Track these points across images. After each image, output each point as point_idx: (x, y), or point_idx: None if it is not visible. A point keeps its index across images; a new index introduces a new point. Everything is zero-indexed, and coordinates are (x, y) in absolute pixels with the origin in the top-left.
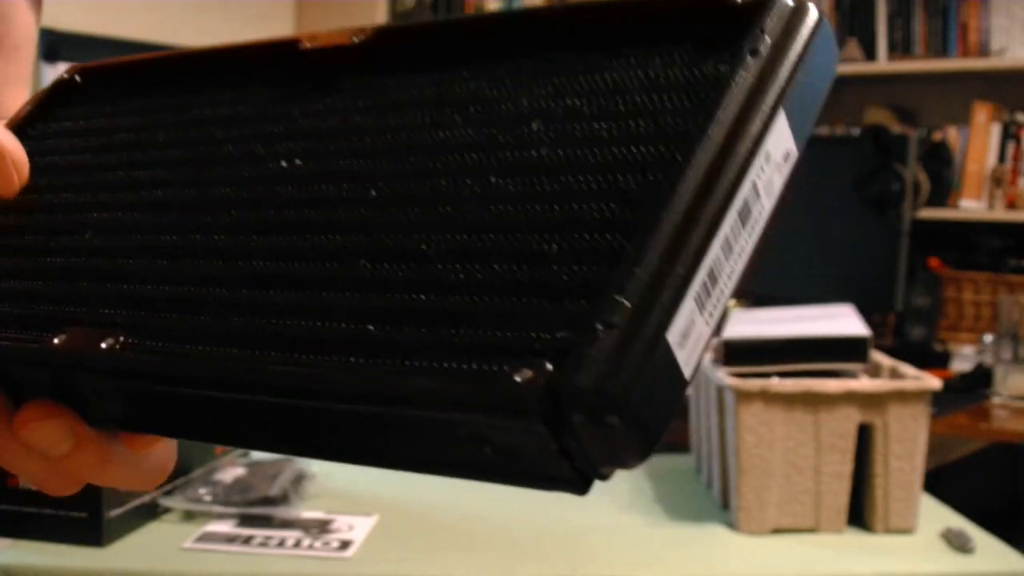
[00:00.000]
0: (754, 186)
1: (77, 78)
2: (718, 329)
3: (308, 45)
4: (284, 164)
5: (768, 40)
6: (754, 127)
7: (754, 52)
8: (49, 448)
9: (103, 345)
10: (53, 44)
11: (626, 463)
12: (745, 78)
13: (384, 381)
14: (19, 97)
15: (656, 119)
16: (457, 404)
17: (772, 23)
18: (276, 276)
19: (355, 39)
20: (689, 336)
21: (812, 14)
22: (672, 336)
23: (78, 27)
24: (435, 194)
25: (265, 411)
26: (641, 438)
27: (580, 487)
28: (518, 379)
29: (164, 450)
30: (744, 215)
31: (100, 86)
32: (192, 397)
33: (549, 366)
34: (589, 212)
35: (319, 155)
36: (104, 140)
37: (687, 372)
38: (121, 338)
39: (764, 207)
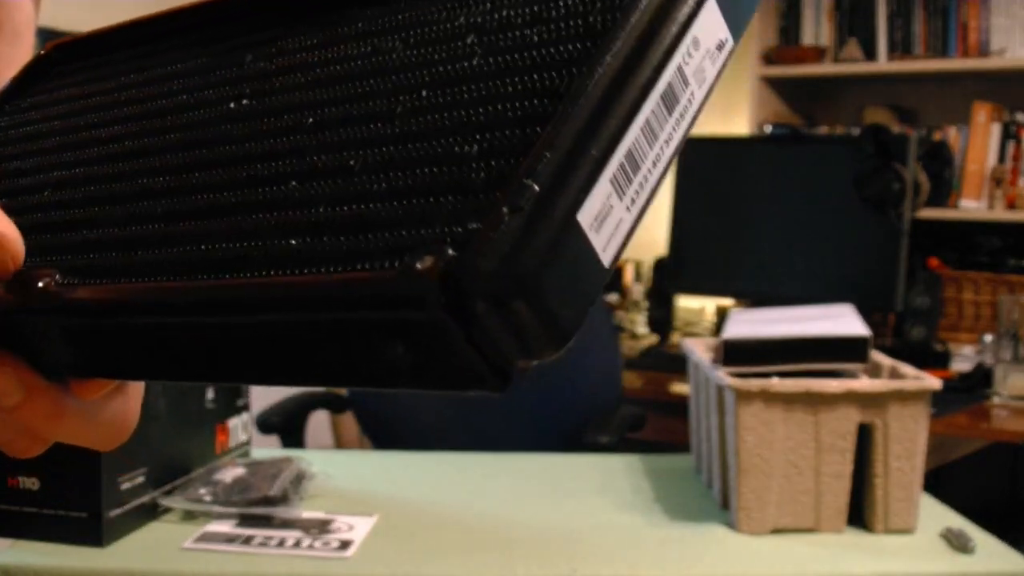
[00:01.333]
0: (680, 71)
1: (54, 54)
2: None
3: None
4: (232, 105)
5: None
6: (679, 13)
7: None
8: None
9: (39, 284)
10: None
11: (540, 353)
12: None
13: (285, 288)
14: (24, 42)
15: (585, 18)
16: (361, 301)
17: None
18: (212, 207)
19: None
20: (606, 221)
21: None
22: (584, 217)
23: (78, 27)
24: (367, 114)
25: (191, 336)
26: (552, 326)
27: (496, 383)
28: (418, 266)
29: (122, 405)
30: (669, 100)
31: (76, 59)
32: (126, 330)
33: (451, 252)
34: (512, 111)
35: (265, 92)
36: (73, 106)
37: (605, 259)
38: (57, 277)
39: (694, 95)
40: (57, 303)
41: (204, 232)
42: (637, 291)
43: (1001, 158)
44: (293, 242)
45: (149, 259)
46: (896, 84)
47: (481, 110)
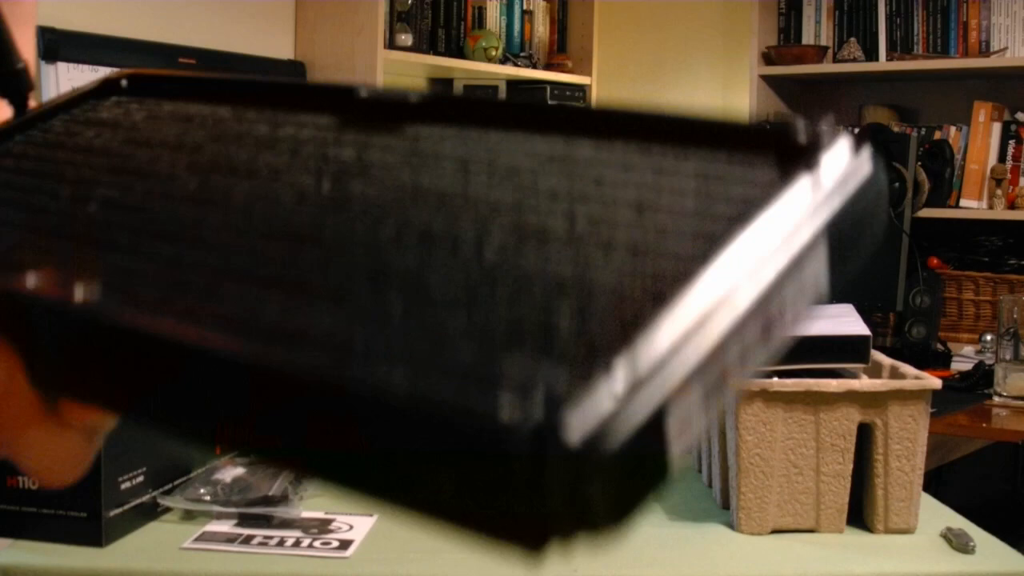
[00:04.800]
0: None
1: (123, 82)
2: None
3: (365, 95)
4: (310, 182)
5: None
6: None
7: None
8: None
9: (81, 296)
10: (53, 44)
11: (593, 526)
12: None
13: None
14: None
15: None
16: (437, 425)
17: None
18: (266, 281)
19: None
20: (690, 422)
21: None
22: (674, 412)
23: (78, 27)
24: (452, 237)
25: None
26: (614, 506)
27: (529, 546)
28: (506, 405)
29: (80, 445)
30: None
31: (143, 92)
32: (148, 361)
33: (540, 397)
34: (630, 289)
35: (348, 181)
36: (130, 134)
37: (673, 455)
38: (94, 287)
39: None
40: (95, 314)
41: (254, 300)
42: None
43: (1001, 158)
44: (356, 344)
45: (197, 309)
46: (896, 84)
47: (576, 279)
